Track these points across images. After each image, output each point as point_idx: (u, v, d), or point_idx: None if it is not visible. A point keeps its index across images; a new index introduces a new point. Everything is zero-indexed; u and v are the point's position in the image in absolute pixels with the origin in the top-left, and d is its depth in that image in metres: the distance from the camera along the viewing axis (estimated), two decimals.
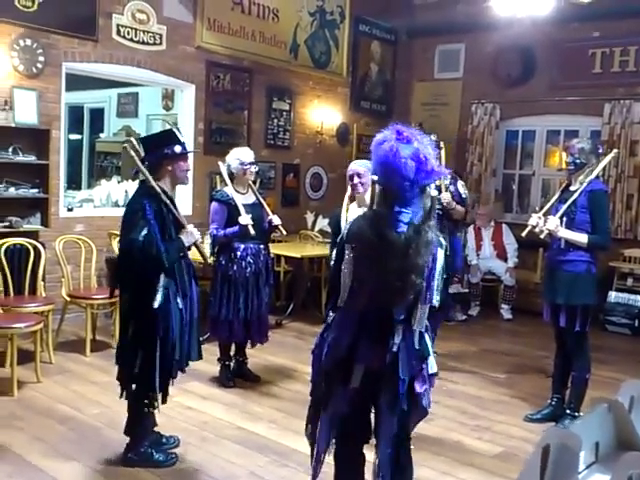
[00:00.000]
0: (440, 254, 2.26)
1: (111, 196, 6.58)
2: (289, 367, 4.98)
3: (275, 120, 7.85)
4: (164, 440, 3.39)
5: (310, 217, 7.94)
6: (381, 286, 2.21)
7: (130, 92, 8.79)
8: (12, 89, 5.43)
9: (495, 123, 8.29)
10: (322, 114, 8.25)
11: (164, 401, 3.26)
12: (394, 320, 2.25)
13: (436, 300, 2.26)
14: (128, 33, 6.24)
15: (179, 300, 3.14)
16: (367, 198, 3.65)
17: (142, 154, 3.22)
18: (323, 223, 7.68)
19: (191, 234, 3.26)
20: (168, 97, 8.34)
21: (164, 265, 3.04)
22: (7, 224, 5.30)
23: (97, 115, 9.37)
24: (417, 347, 2.28)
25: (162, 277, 3.07)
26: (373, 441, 2.40)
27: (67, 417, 3.81)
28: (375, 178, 2.26)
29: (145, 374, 3.10)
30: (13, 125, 5.37)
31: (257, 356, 4.86)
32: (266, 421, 3.89)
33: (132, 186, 6.63)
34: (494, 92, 8.23)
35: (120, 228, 3.17)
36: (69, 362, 4.83)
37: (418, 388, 2.29)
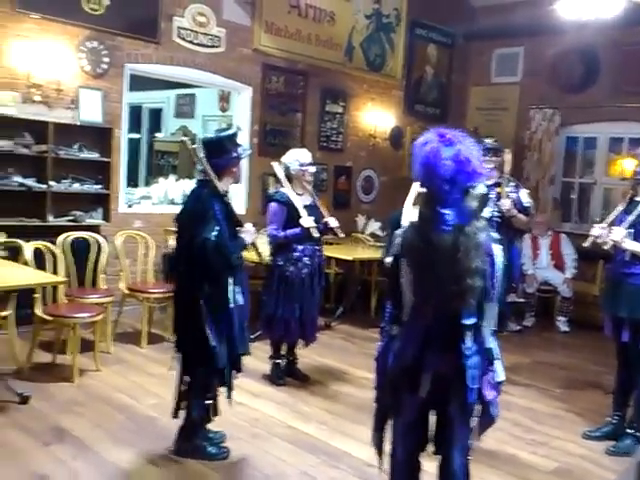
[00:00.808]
0: (497, 250, 2.26)
1: (168, 194, 6.82)
2: (338, 369, 5.06)
3: (328, 123, 7.98)
4: (212, 435, 3.49)
5: (361, 220, 8.03)
6: (439, 293, 2.22)
7: (188, 93, 9.09)
8: (78, 89, 5.73)
9: (554, 129, 8.21)
10: (375, 117, 8.33)
11: (228, 395, 3.38)
12: (462, 325, 2.24)
13: (499, 299, 2.27)
14: (188, 35, 6.48)
15: (240, 297, 3.27)
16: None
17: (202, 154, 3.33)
18: (374, 226, 7.76)
19: (250, 233, 3.40)
20: (224, 99, 8.58)
21: (233, 263, 3.17)
22: (71, 218, 5.62)
23: (155, 115, 9.71)
24: (487, 347, 2.29)
25: (230, 275, 3.19)
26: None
27: (125, 406, 4.00)
28: (419, 181, 2.30)
29: (210, 368, 3.23)
30: (78, 123, 5.67)
31: (306, 356, 4.96)
32: (316, 422, 3.97)
33: (189, 185, 6.88)
34: (554, 97, 8.16)
35: (179, 226, 3.29)
36: (126, 353, 5.06)
37: (487, 396, 2.29)
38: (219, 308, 3.18)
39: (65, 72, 5.59)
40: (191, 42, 6.51)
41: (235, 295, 3.24)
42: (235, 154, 3.29)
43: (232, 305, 3.20)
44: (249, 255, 3.61)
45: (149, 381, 4.45)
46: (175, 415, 3.35)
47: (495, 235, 2.31)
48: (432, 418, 2.41)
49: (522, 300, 7.04)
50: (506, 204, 4.52)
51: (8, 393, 3.92)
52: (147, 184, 8.02)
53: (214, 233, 3.07)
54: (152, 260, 5.63)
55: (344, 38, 7.98)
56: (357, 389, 4.55)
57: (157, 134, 9.60)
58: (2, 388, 3.96)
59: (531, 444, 3.89)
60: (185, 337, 3.33)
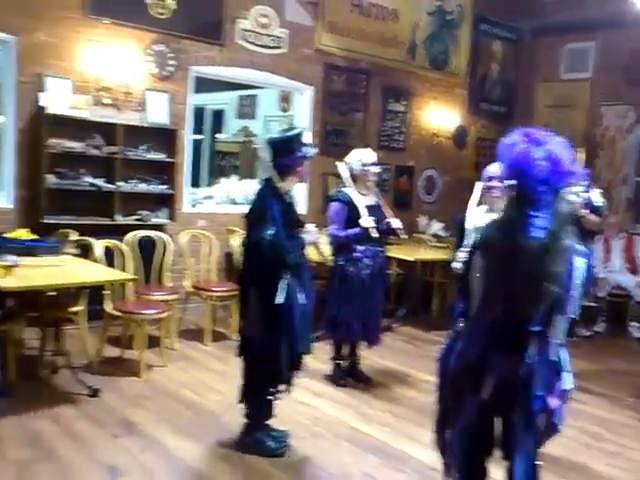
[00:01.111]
0: (579, 262, 2.20)
1: (230, 194, 6.97)
2: (400, 371, 5.05)
3: (390, 122, 7.97)
4: (275, 433, 3.54)
5: (422, 220, 7.98)
6: (514, 294, 2.18)
7: (249, 94, 9.25)
8: (145, 91, 5.93)
9: (628, 127, 7.94)
10: (438, 116, 8.27)
11: (288, 392, 3.44)
12: (529, 331, 2.20)
13: (575, 313, 2.22)
14: (251, 37, 6.60)
15: (301, 296, 3.31)
16: (501, 203, 3.67)
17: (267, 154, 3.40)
18: (437, 227, 7.70)
19: (312, 233, 3.44)
20: (285, 99, 8.69)
21: (288, 262, 3.22)
22: (138, 217, 5.83)
23: (217, 116, 9.93)
24: (553, 359, 2.25)
25: (285, 274, 3.24)
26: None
27: (190, 401, 4.12)
28: (509, 182, 2.26)
29: (271, 365, 3.30)
30: (146, 125, 5.87)
31: (367, 358, 4.97)
32: (378, 423, 3.97)
33: (251, 185, 7.01)
34: (627, 93, 7.89)
35: (245, 225, 3.37)
36: (190, 349, 5.21)
37: (551, 404, 2.25)
38: (276, 307, 3.22)
39: (133, 75, 5.81)
40: (254, 43, 6.64)
41: (297, 294, 3.28)
42: (300, 154, 3.35)
43: (290, 304, 3.25)
44: (312, 255, 3.65)
45: (212, 378, 4.57)
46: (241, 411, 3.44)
47: (581, 248, 2.25)
48: (498, 423, 2.37)
49: (593, 304, 6.83)
50: (576, 203, 4.41)
51: (79, 386, 4.11)
52: (209, 184, 8.21)
53: (269, 232, 3.13)
54: (215, 259, 5.77)
55: (407, 36, 7.96)
56: (419, 392, 4.53)
57: (219, 135, 9.81)
58: (74, 381, 4.15)
59: (604, 453, 3.79)
60: (246, 334, 3.41)
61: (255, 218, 3.27)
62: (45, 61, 5.41)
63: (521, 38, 9.08)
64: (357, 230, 4.37)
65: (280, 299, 3.22)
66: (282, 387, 3.44)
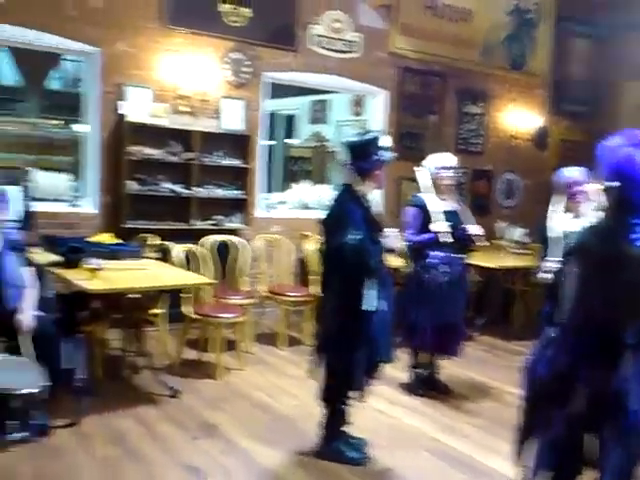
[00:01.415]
0: None
1: (304, 199, 7.03)
2: (480, 382, 4.94)
3: (466, 124, 7.85)
4: (353, 441, 3.52)
5: (501, 226, 7.80)
6: (612, 304, 2.11)
7: (321, 99, 9.32)
8: (221, 99, 6.09)
9: None
10: (517, 117, 8.08)
11: (362, 400, 3.42)
12: (624, 343, 2.11)
13: None
14: (324, 42, 6.66)
15: (381, 302, 3.28)
16: (586, 208, 3.55)
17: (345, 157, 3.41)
18: (518, 233, 7.50)
19: (392, 238, 3.42)
20: (357, 103, 8.69)
21: (371, 268, 3.20)
22: (214, 222, 5.97)
23: (289, 121, 10.06)
24: None
25: (369, 279, 3.22)
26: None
27: (267, 405, 4.17)
28: (611, 185, 2.17)
29: (347, 372, 3.28)
30: (221, 131, 6.01)
31: (447, 367, 4.87)
32: (459, 435, 3.89)
33: (324, 190, 7.06)
34: None
35: (323, 230, 3.38)
36: (265, 354, 5.28)
37: None
38: (356, 313, 3.21)
39: (210, 83, 5.97)
40: (327, 48, 6.69)
41: (377, 301, 3.25)
42: (378, 157, 3.33)
43: (371, 310, 3.22)
44: (390, 260, 3.62)
45: (288, 383, 4.60)
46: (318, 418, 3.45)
47: None
48: (589, 439, 2.25)
49: None
50: None
51: (160, 386, 4.23)
52: (282, 190, 8.32)
53: (352, 237, 3.10)
54: (289, 264, 5.83)
55: (482, 37, 7.83)
56: (501, 404, 4.42)
57: (291, 140, 9.93)
58: (155, 381, 4.28)
59: None
60: (322, 340, 3.42)
61: (334, 223, 3.26)
62: (126, 71, 5.63)
63: (605, 35, 8.75)
64: (430, 235, 4.29)
65: (369, 305, 3.20)
66: (356, 394, 3.41)
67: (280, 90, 7.48)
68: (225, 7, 6.04)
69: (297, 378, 4.61)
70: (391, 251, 3.45)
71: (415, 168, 4.57)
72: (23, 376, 3.31)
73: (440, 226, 4.25)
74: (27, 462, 3.18)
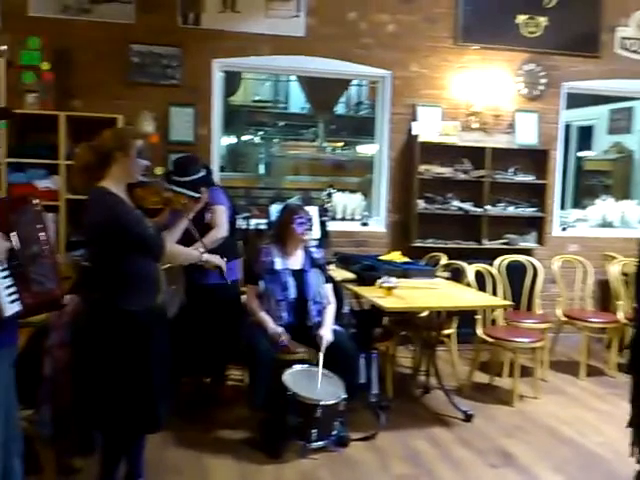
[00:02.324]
0: None
1: (606, 216, 6.53)
2: None
3: None
4: None
5: None
6: None
7: (623, 107, 8.57)
8: (514, 113, 5.98)
9: None
10: None
11: None
12: None
13: None
14: (632, 45, 6.16)
15: None
16: None
17: None
18: None
19: None
20: None
21: None
22: (505, 241, 5.88)
23: (583, 132, 9.43)
24: None
25: None
26: None
27: (567, 438, 3.94)
28: None
29: None
30: (515, 147, 5.90)
31: None
32: None
33: (628, 206, 6.50)
34: None
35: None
36: (562, 383, 5.00)
37: None
38: None
39: (502, 98, 5.91)
40: (635, 52, 6.17)
41: None
42: None
43: None
44: None
45: (590, 416, 4.30)
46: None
47: None
48: None
49: None
50: None
51: (451, 408, 4.25)
52: (574, 206, 7.84)
53: None
54: (589, 287, 5.45)
55: None
56: None
57: (587, 152, 9.29)
58: (446, 403, 4.32)
59: None
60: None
61: None
62: (417, 92, 5.85)
63: None
64: None
65: None
66: None
67: (574, 100, 7.08)
68: (521, 18, 5.94)
69: (601, 412, 4.32)
70: None
71: None
72: (326, 388, 3.56)
73: None
74: (326, 469, 3.41)
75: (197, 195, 3.22)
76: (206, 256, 3.27)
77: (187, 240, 3.23)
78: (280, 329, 3.82)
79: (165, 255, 2.86)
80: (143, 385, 2.77)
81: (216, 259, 3.35)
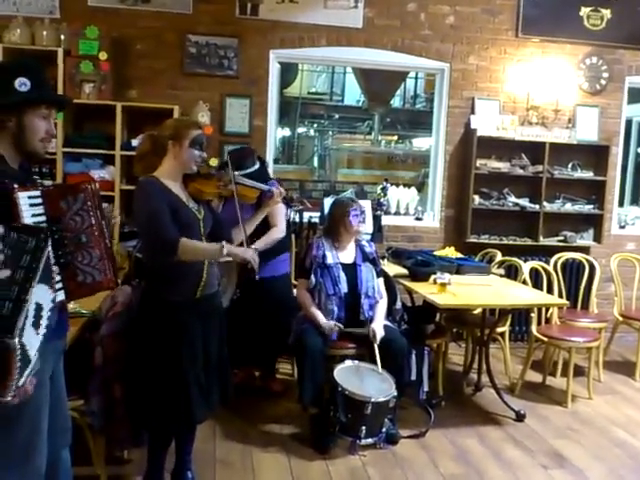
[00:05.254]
0: None
1: None
2: None
3: None
4: None
5: None
6: None
7: None
8: (575, 107, 5.83)
9: None
10: None
11: None
12: None
13: None
14: None
15: None
16: None
17: None
18: None
19: None
20: None
21: None
22: (561, 238, 5.77)
23: None
24: None
25: None
26: None
27: (621, 440, 3.87)
28: None
29: None
30: (574, 142, 5.77)
31: None
32: None
33: None
34: None
35: None
36: (617, 383, 4.91)
37: None
38: None
39: (563, 92, 5.77)
40: None
41: None
42: None
43: None
44: None
45: None
46: None
47: None
48: None
49: None
50: None
51: (503, 407, 4.20)
52: (633, 203, 7.61)
53: None
54: None
55: None
56: None
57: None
58: (497, 402, 4.27)
59: None
60: None
61: None
62: (475, 84, 5.76)
63: None
64: None
65: None
66: None
67: (634, 95, 6.85)
68: (585, 10, 5.76)
69: None
70: None
71: None
72: (376, 385, 3.55)
73: None
74: (376, 466, 3.41)
75: (267, 188, 3.21)
76: (227, 250, 2.70)
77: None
78: (332, 322, 3.80)
79: (181, 252, 2.63)
80: (176, 379, 2.74)
81: (245, 253, 2.82)
